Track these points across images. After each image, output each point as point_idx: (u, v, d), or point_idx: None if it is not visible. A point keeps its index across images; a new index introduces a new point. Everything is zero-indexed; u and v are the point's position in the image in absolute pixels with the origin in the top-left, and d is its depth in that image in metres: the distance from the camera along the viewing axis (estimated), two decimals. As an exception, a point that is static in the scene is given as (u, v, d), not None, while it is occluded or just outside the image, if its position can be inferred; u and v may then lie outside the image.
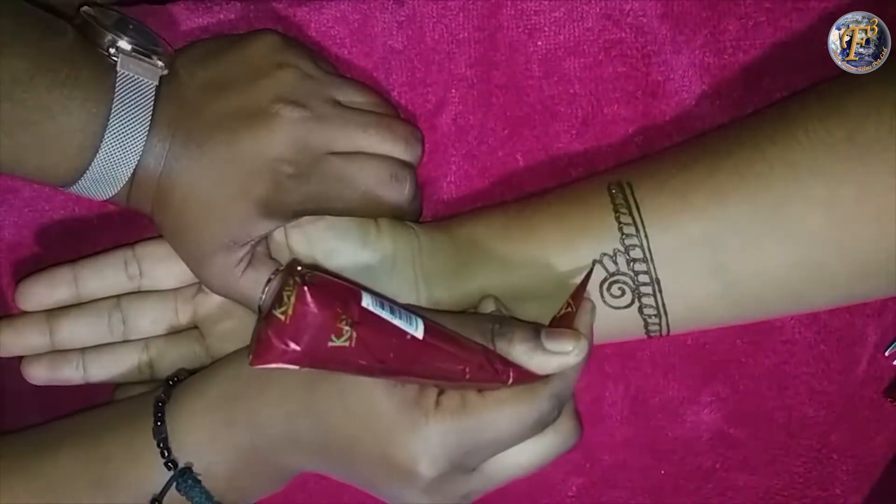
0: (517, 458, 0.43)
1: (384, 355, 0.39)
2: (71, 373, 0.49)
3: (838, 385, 0.54)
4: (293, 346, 0.37)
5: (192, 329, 0.50)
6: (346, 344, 0.38)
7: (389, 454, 0.41)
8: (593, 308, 0.45)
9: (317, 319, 0.37)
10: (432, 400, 0.41)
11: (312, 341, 0.38)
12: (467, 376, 0.40)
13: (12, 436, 0.47)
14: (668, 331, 0.47)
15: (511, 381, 0.41)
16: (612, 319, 0.47)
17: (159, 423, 0.44)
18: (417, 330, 0.40)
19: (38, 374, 0.49)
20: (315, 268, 0.43)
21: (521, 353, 0.42)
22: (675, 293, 0.46)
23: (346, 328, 0.38)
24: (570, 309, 0.44)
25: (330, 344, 0.38)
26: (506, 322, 0.43)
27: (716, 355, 0.54)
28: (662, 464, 0.56)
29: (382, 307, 0.39)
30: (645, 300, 0.46)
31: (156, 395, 0.46)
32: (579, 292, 0.44)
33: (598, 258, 0.46)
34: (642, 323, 0.47)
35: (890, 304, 0.53)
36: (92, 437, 0.45)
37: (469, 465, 0.43)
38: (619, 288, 0.46)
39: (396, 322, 0.39)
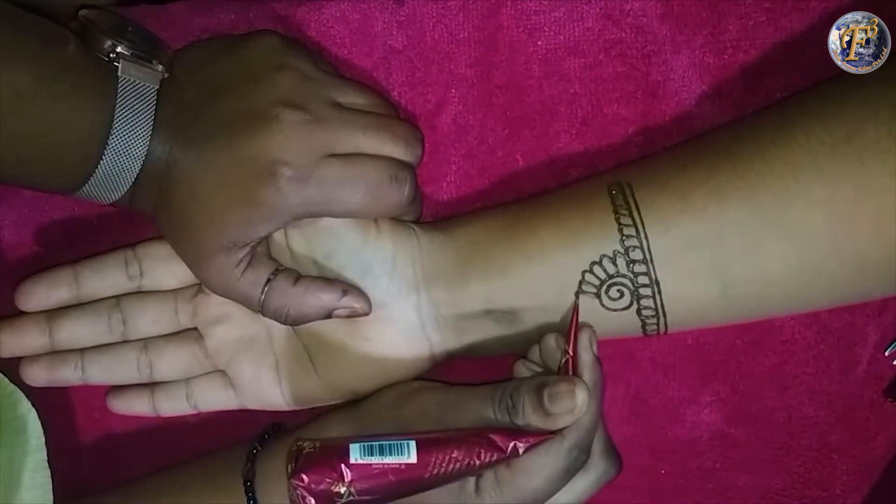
0: (560, 500, 0.46)
1: (388, 491, 0.43)
2: (69, 374, 0.50)
3: (838, 385, 0.54)
4: None
5: (192, 330, 0.50)
6: (351, 499, 0.42)
7: None
8: (592, 338, 0.46)
9: (319, 498, 0.42)
10: (472, 485, 0.44)
11: None
12: (477, 466, 0.43)
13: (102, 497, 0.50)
14: (667, 330, 0.47)
15: (524, 450, 0.43)
16: (610, 321, 0.47)
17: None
18: (410, 456, 0.43)
19: (36, 375, 0.49)
20: (307, 438, 0.46)
21: (536, 422, 0.44)
22: (675, 294, 0.46)
23: (343, 490, 0.42)
24: (566, 356, 0.46)
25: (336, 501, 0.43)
26: (515, 392, 0.45)
27: (716, 355, 0.54)
28: (662, 464, 0.56)
29: (371, 452, 0.43)
30: (644, 302, 0.46)
31: (242, 474, 0.48)
32: (572, 335, 0.46)
33: (597, 259, 0.46)
34: (640, 323, 0.47)
35: (890, 304, 0.53)
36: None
37: None
38: (618, 290, 0.46)
39: (388, 460, 0.43)
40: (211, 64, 0.46)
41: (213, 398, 0.50)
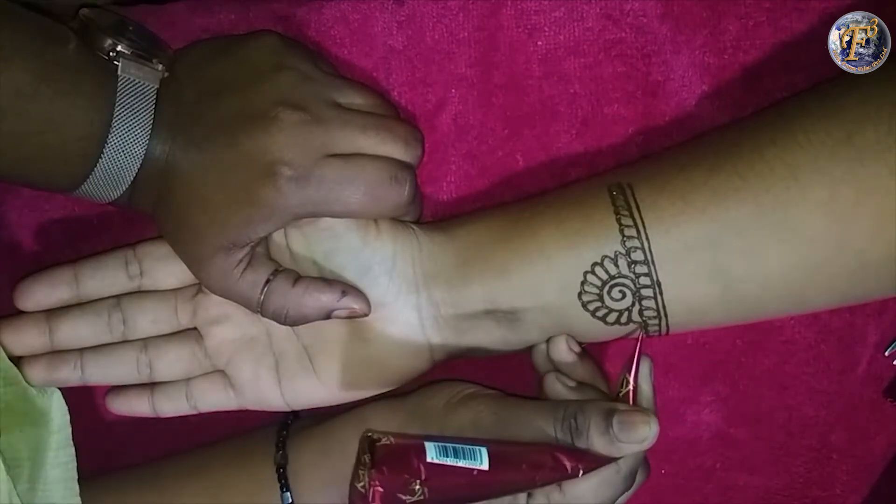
0: None
1: (457, 495, 0.43)
2: (69, 374, 0.49)
3: (838, 385, 0.54)
4: None
5: (192, 330, 0.50)
6: (421, 499, 0.42)
7: None
8: (651, 369, 0.46)
9: (389, 493, 0.42)
10: (523, 501, 0.44)
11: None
12: (538, 482, 0.43)
13: (126, 474, 0.51)
14: (668, 331, 0.47)
15: (582, 472, 0.43)
16: (612, 322, 0.47)
17: (285, 490, 0.48)
18: (483, 462, 0.43)
19: (36, 375, 0.49)
20: (381, 433, 0.45)
21: (600, 447, 0.44)
22: (676, 295, 0.46)
23: (418, 487, 0.42)
24: (628, 387, 0.46)
25: (408, 500, 0.42)
26: (580, 413, 0.44)
27: (716, 355, 0.54)
28: (663, 464, 0.56)
29: (446, 454, 0.43)
30: (645, 302, 0.46)
31: (275, 461, 0.49)
32: (635, 365, 0.46)
33: (598, 260, 0.46)
34: (642, 325, 0.47)
35: (890, 304, 0.53)
36: (216, 488, 0.49)
37: None
38: (620, 291, 0.46)
39: (462, 463, 0.43)
40: (211, 64, 0.46)
41: (212, 398, 0.50)
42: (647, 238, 0.46)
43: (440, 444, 0.43)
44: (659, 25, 0.50)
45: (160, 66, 0.44)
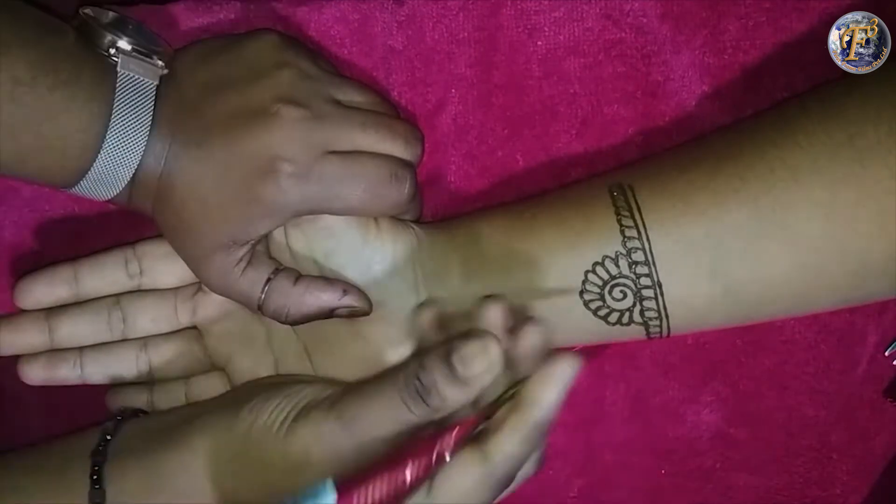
0: None
1: None
2: (68, 372, 0.49)
3: (838, 385, 0.54)
4: None
5: (192, 328, 0.50)
6: None
7: None
8: (570, 377, 0.41)
9: None
10: None
11: None
12: (408, 484, 0.39)
13: None
14: (669, 333, 0.47)
15: (451, 450, 0.40)
16: (614, 324, 0.47)
17: (97, 487, 0.45)
18: (330, 498, 0.38)
19: (34, 373, 0.49)
20: None
21: (454, 396, 0.40)
22: (677, 296, 0.46)
23: None
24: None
25: None
26: (421, 371, 0.41)
27: (716, 355, 0.54)
28: (663, 464, 0.56)
29: None
30: (646, 303, 0.46)
31: (91, 455, 0.45)
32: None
33: (599, 260, 0.46)
34: (643, 325, 0.47)
35: (890, 304, 0.53)
36: (24, 492, 0.45)
37: None
38: (621, 291, 0.46)
39: None
40: (211, 62, 0.46)
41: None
42: (648, 239, 0.46)
43: None
44: (659, 25, 0.50)
45: (160, 64, 0.44)
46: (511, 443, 0.40)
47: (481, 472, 0.40)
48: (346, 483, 0.39)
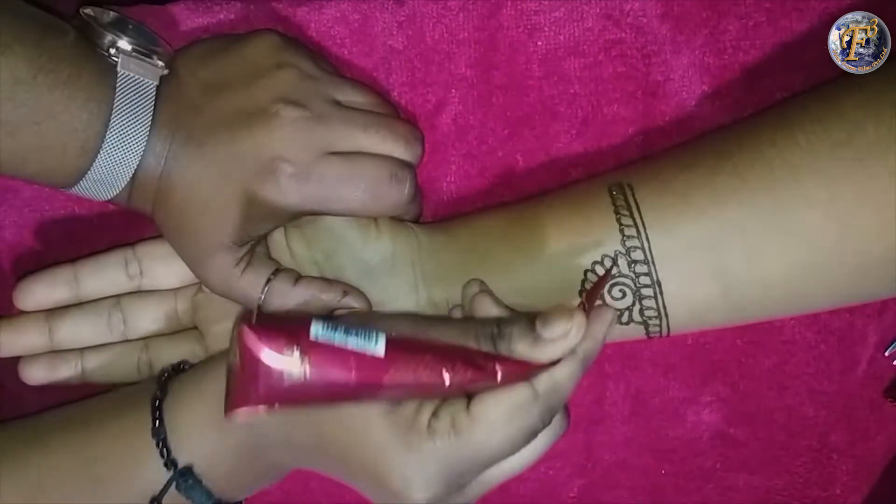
0: (510, 462, 0.43)
1: (345, 376, 0.38)
2: (69, 373, 0.49)
3: (838, 385, 0.54)
4: (252, 386, 0.37)
5: (192, 329, 0.50)
6: (302, 374, 0.37)
7: (382, 475, 0.41)
8: (613, 318, 0.42)
9: (262, 354, 0.37)
10: (425, 421, 0.41)
11: (267, 378, 0.37)
12: (447, 383, 0.39)
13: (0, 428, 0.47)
14: (669, 332, 0.47)
15: (500, 377, 0.40)
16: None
17: (158, 423, 0.44)
18: (378, 346, 0.39)
19: (35, 374, 0.49)
20: (268, 315, 0.43)
21: (524, 351, 0.41)
22: (676, 295, 0.46)
23: (296, 357, 0.37)
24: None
25: (286, 378, 0.37)
26: (504, 322, 0.42)
27: (716, 355, 0.54)
28: (663, 464, 0.56)
29: (335, 330, 0.38)
30: (646, 302, 0.46)
31: (152, 394, 0.46)
32: (593, 294, 0.43)
33: (598, 259, 0.46)
34: (643, 325, 0.47)
35: (890, 304, 0.53)
36: (85, 432, 0.45)
37: (463, 483, 0.42)
38: (621, 290, 0.46)
39: (351, 344, 0.38)
40: (211, 62, 0.46)
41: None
42: (647, 238, 0.46)
43: (330, 322, 0.39)
44: (659, 25, 0.50)
45: (160, 64, 0.44)
46: (558, 370, 0.41)
47: (526, 394, 0.40)
48: (396, 347, 0.39)
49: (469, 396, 0.40)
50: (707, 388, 0.54)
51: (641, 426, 0.55)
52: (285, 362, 0.37)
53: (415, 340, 0.40)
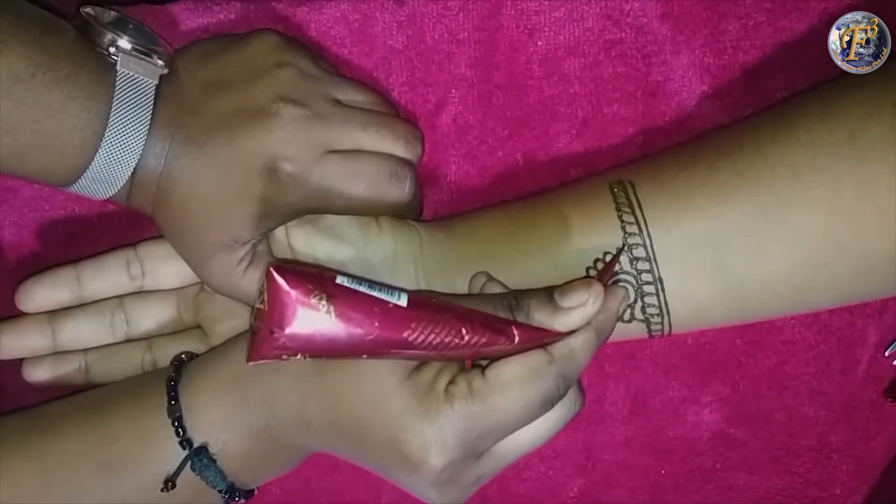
0: (526, 435, 0.43)
1: (368, 326, 0.39)
2: (73, 374, 0.49)
3: (838, 385, 0.54)
4: (278, 331, 0.38)
5: (195, 328, 0.50)
6: (327, 320, 0.38)
7: (400, 441, 0.41)
8: (626, 296, 0.44)
9: (290, 297, 0.38)
10: (443, 387, 0.41)
11: (292, 321, 0.38)
12: (465, 340, 0.40)
13: (11, 416, 0.47)
14: (671, 330, 0.47)
15: (518, 339, 0.41)
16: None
17: (173, 402, 0.44)
18: (400, 299, 0.40)
19: (39, 375, 0.49)
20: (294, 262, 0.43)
21: (542, 319, 0.42)
22: (678, 293, 0.46)
23: (322, 303, 0.38)
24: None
25: (311, 324, 0.38)
26: (521, 295, 0.43)
27: (716, 355, 0.54)
28: (663, 464, 0.56)
29: (360, 283, 0.39)
30: (648, 299, 0.46)
31: (167, 375, 0.45)
32: (604, 274, 0.44)
33: (600, 256, 0.46)
34: (645, 322, 0.47)
35: (890, 304, 0.53)
36: (97, 417, 0.45)
37: (479, 450, 0.42)
38: (623, 287, 0.46)
39: (376, 294, 0.39)
40: (211, 61, 0.46)
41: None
42: (649, 235, 0.46)
43: (356, 277, 0.40)
44: (659, 25, 0.51)
45: (160, 63, 0.44)
46: (574, 338, 0.42)
47: (541, 357, 0.41)
48: (418, 304, 0.40)
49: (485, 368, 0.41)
50: (707, 388, 0.54)
51: (641, 426, 0.55)
52: (312, 306, 0.38)
53: (436, 301, 0.41)
